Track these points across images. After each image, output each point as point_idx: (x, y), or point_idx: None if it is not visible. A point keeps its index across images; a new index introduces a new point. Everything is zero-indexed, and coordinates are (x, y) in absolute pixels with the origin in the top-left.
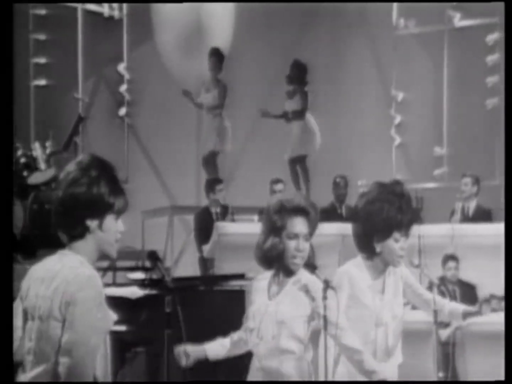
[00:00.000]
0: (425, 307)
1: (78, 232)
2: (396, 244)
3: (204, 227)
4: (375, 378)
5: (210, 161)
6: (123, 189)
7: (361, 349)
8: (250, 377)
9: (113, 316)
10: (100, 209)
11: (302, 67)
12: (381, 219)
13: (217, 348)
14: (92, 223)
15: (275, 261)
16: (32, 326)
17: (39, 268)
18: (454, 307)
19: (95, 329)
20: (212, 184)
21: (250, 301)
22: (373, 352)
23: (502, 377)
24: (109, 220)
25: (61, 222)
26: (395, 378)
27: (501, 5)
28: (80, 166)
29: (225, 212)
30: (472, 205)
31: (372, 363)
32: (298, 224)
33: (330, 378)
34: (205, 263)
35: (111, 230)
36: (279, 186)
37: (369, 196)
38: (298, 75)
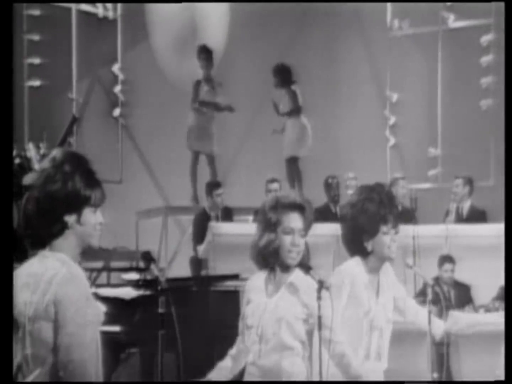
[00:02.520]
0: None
1: (57, 229)
2: (385, 236)
3: (202, 228)
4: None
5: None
6: (99, 181)
7: (350, 354)
8: (247, 375)
9: (102, 307)
10: (77, 203)
11: (283, 69)
12: (365, 218)
13: (220, 373)
14: (70, 219)
15: (271, 257)
16: (25, 333)
17: (22, 274)
18: (436, 325)
19: (88, 325)
20: (211, 188)
21: (247, 300)
22: (366, 355)
23: (496, 377)
24: (87, 213)
25: (40, 221)
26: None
27: (496, 5)
28: (54, 163)
29: (227, 215)
30: (466, 206)
31: (358, 368)
32: (294, 219)
33: (324, 378)
34: (197, 263)
35: (90, 223)
36: (274, 186)
37: (352, 200)
38: (282, 78)
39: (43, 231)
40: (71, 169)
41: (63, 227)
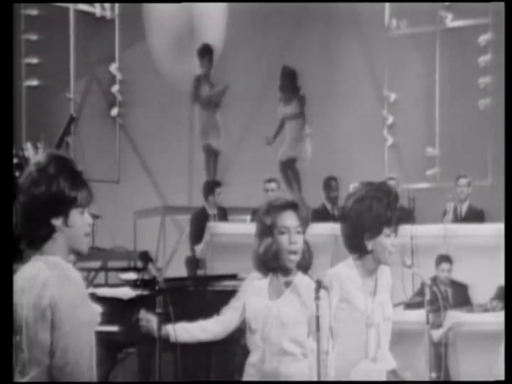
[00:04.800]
0: None
1: (45, 233)
2: (387, 239)
3: (200, 228)
4: None
5: (211, 159)
6: (85, 181)
7: (332, 366)
8: (245, 376)
9: (98, 308)
10: (62, 206)
11: (292, 74)
12: (371, 216)
13: (197, 332)
14: (57, 221)
15: (272, 262)
16: (22, 337)
17: (18, 278)
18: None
19: (84, 326)
20: (213, 186)
21: (246, 296)
22: (364, 354)
23: (494, 377)
24: (74, 215)
25: (28, 225)
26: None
27: (493, 5)
28: (38, 166)
29: (223, 214)
30: (464, 206)
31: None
32: (288, 218)
33: (322, 377)
34: (193, 263)
35: (78, 224)
36: (272, 185)
37: (357, 195)
38: (290, 82)
39: (33, 235)
40: (55, 171)
41: (51, 231)
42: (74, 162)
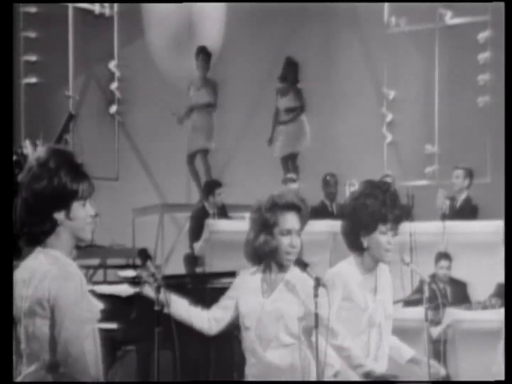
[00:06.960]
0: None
1: (47, 227)
2: (382, 237)
3: (199, 225)
4: (363, 371)
5: (194, 160)
6: (85, 173)
7: (349, 346)
8: (247, 372)
9: (99, 304)
10: (64, 199)
11: (295, 64)
12: (365, 213)
13: (192, 314)
14: (59, 215)
15: (267, 257)
16: (20, 328)
17: (20, 269)
18: (403, 351)
19: (84, 322)
20: (213, 187)
21: (238, 295)
22: (367, 353)
23: (493, 374)
24: (76, 207)
25: (30, 220)
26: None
27: (493, 3)
28: (39, 161)
29: (222, 212)
30: (461, 198)
31: (359, 357)
32: (291, 220)
33: (321, 376)
34: (192, 260)
35: (80, 216)
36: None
37: (354, 193)
38: (291, 73)
39: (35, 230)
40: (56, 165)
41: (53, 225)
42: (74, 155)
